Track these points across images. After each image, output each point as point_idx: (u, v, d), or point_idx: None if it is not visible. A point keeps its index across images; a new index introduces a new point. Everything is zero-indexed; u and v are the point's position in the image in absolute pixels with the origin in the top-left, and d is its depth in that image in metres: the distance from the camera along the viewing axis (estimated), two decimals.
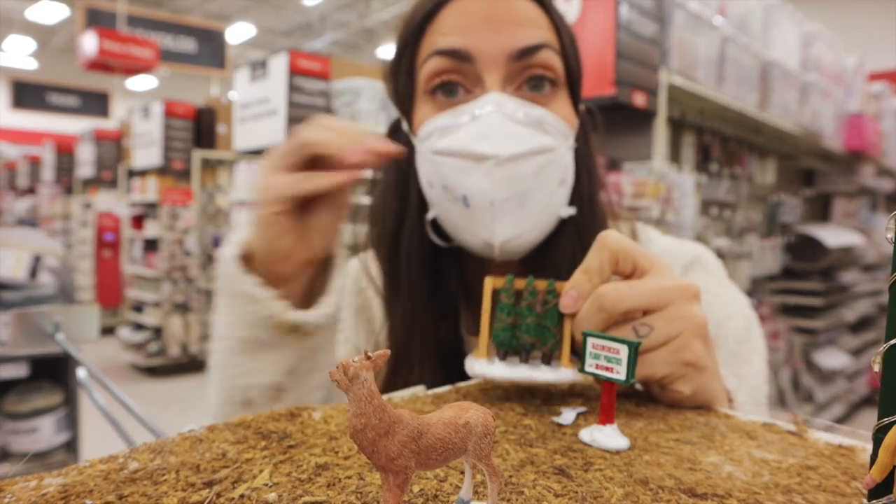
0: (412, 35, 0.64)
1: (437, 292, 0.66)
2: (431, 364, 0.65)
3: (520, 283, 0.47)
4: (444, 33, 0.61)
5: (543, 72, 0.61)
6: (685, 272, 0.70)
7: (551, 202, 0.61)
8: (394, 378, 0.65)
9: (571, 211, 0.64)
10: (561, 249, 0.64)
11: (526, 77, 0.61)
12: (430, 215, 0.65)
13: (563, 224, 0.65)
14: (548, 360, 0.46)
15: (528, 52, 0.60)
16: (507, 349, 0.46)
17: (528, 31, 0.61)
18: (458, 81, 0.61)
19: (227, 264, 0.56)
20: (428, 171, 0.63)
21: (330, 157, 0.53)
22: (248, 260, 0.57)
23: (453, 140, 0.59)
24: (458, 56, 0.60)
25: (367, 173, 0.58)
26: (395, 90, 0.68)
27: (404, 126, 0.68)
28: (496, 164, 0.57)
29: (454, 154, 0.59)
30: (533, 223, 0.60)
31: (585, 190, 0.67)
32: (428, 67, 0.62)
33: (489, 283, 0.47)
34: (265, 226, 0.54)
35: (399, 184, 0.68)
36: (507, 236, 0.59)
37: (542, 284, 0.47)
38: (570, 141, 0.64)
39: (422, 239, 0.66)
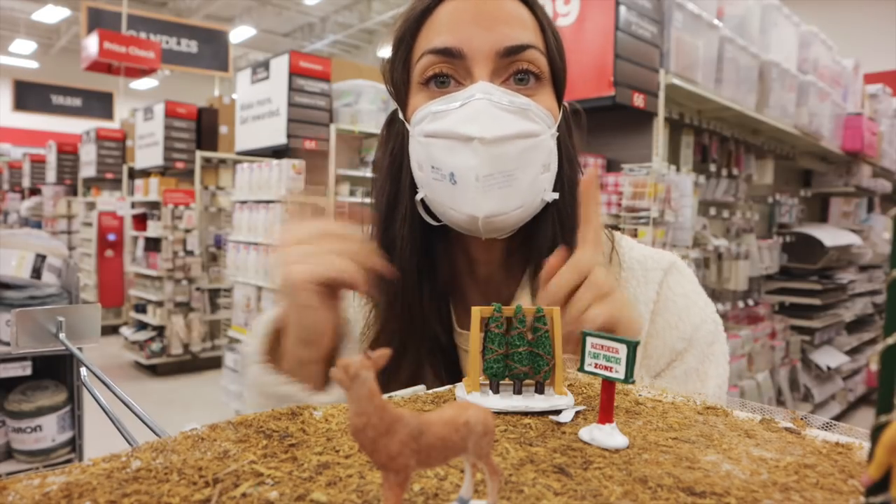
0: (409, 31, 0.68)
1: (426, 272, 0.70)
2: (418, 350, 0.68)
3: (508, 311, 0.46)
4: (438, 32, 0.66)
5: (529, 66, 0.65)
6: (665, 276, 0.74)
7: (535, 185, 0.65)
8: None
9: (555, 195, 0.68)
10: (543, 232, 0.68)
11: (512, 71, 0.65)
12: (418, 196, 0.68)
13: (546, 209, 0.68)
14: (541, 388, 0.46)
15: (515, 50, 0.64)
16: (500, 380, 0.46)
17: (515, 31, 0.65)
18: (450, 74, 0.65)
19: (253, 366, 0.62)
20: (418, 153, 0.67)
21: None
22: (271, 350, 0.63)
23: (443, 123, 0.63)
24: (450, 54, 0.64)
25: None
26: (392, 82, 0.72)
27: (400, 115, 0.72)
28: (482, 143, 0.61)
29: (443, 136, 0.63)
30: (517, 202, 0.63)
31: (567, 179, 0.71)
32: (422, 63, 0.66)
33: (476, 313, 0.46)
34: (297, 311, 0.59)
35: (393, 168, 0.72)
36: (490, 211, 0.62)
37: (530, 311, 0.47)
38: (553, 130, 0.67)
39: (413, 219, 0.69)
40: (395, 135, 0.73)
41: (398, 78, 0.70)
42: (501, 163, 0.61)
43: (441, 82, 0.66)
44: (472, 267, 0.74)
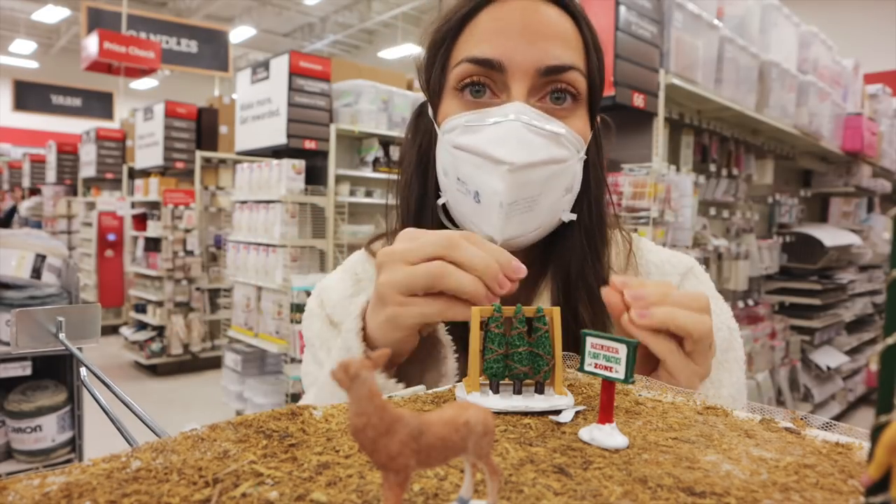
0: (449, 34, 0.67)
1: None
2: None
3: (508, 311, 0.46)
4: (480, 40, 0.65)
5: (567, 87, 0.65)
6: (682, 281, 0.74)
7: (556, 207, 0.65)
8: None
9: (573, 217, 0.68)
10: (569, 250, 0.69)
11: (550, 90, 0.65)
12: (441, 200, 0.69)
13: (570, 226, 0.69)
14: (541, 388, 0.46)
15: (555, 70, 0.64)
16: (500, 380, 0.46)
17: (558, 50, 0.64)
18: (487, 84, 0.65)
19: (352, 344, 0.57)
20: (445, 160, 0.67)
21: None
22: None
23: (473, 139, 0.63)
24: (490, 65, 0.64)
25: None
26: (427, 81, 0.71)
27: (430, 112, 0.71)
28: (510, 170, 0.60)
29: (472, 152, 0.63)
30: (537, 224, 0.65)
31: (593, 197, 0.71)
32: (459, 70, 0.65)
33: (476, 313, 0.46)
34: (387, 331, 0.54)
35: (420, 168, 0.72)
36: (510, 235, 0.63)
37: (530, 311, 0.47)
38: (581, 153, 0.67)
39: (436, 222, 0.70)
40: (425, 130, 0.73)
41: (434, 79, 0.70)
42: (527, 189, 0.62)
43: (476, 91, 0.65)
44: None
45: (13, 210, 9.32)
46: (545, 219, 0.65)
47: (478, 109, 0.65)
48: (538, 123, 0.62)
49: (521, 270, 0.51)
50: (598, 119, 0.73)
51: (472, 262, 0.50)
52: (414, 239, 0.53)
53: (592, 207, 0.70)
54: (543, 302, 0.69)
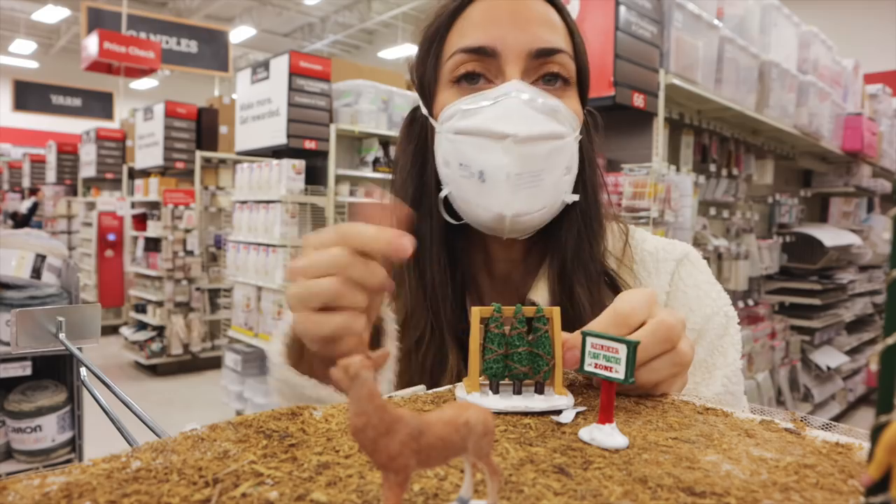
0: (440, 28, 0.69)
1: (450, 268, 0.71)
2: (442, 338, 0.68)
3: (508, 311, 0.47)
4: (471, 30, 0.67)
5: (559, 69, 0.67)
6: (677, 267, 0.75)
7: (559, 186, 0.66)
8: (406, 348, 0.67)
9: (575, 197, 0.69)
10: (567, 232, 0.70)
11: (542, 73, 0.67)
12: (442, 193, 0.69)
13: (567, 210, 0.69)
14: (541, 388, 0.46)
15: (546, 52, 0.66)
16: (500, 380, 0.46)
17: (547, 34, 0.66)
18: (481, 72, 0.66)
19: (276, 368, 0.58)
20: (445, 150, 0.68)
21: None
22: (297, 351, 0.59)
23: (474, 120, 0.64)
24: (483, 52, 0.65)
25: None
26: (421, 77, 0.72)
27: (423, 111, 0.72)
28: (514, 141, 0.62)
29: (474, 133, 0.64)
30: (542, 203, 0.65)
31: (588, 181, 0.72)
32: (453, 61, 0.67)
33: (476, 313, 0.46)
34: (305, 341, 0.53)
35: (416, 165, 0.73)
36: (518, 210, 0.63)
37: (530, 311, 0.47)
38: (577, 132, 0.68)
39: (438, 217, 0.71)
40: (417, 135, 0.74)
41: (426, 75, 0.71)
42: (531, 162, 0.63)
43: (472, 80, 0.67)
44: (490, 266, 0.75)
45: (35, 206, 9.30)
46: (549, 197, 0.65)
47: (475, 94, 0.66)
48: (537, 99, 0.64)
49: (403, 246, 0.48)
50: (587, 110, 0.74)
51: (366, 241, 0.49)
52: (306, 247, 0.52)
53: (588, 193, 0.71)
54: (542, 287, 0.70)
